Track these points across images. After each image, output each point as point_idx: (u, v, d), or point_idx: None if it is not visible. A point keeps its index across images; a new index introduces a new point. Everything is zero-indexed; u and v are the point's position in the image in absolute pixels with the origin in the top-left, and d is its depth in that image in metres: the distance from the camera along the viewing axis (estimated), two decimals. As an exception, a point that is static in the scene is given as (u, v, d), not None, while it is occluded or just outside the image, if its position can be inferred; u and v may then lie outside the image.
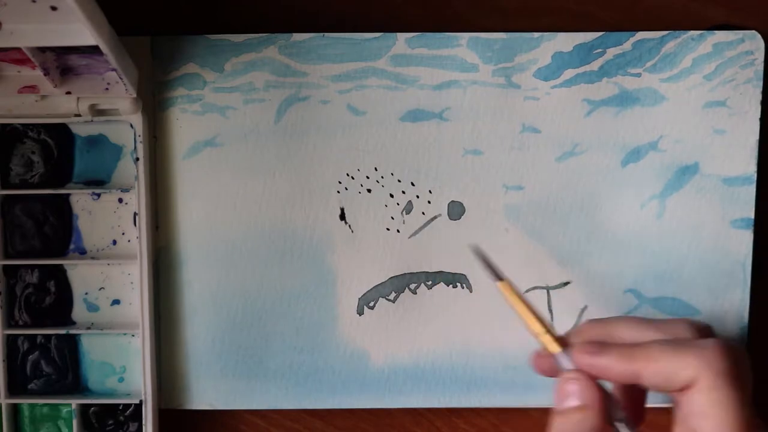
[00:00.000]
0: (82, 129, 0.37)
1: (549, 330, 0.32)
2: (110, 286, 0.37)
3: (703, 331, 0.30)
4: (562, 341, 0.31)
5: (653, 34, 0.36)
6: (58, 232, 0.37)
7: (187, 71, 0.37)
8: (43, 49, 0.33)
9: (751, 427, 0.28)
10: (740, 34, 0.36)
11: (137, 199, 0.36)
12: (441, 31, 0.36)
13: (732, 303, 0.37)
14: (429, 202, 0.37)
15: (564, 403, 0.30)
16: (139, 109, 0.36)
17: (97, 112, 0.36)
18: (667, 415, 0.39)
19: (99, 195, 0.37)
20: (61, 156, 0.37)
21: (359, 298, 0.37)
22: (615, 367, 0.30)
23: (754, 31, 0.36)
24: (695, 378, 0.28)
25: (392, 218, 0.37)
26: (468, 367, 0.38)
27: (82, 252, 0.37)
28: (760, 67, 0.36)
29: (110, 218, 0.37)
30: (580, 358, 0.30)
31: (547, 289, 0.37)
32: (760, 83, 0.36)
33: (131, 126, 0.36)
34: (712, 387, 0.28)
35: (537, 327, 0.32)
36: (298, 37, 0.36)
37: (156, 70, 0.36)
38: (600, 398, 0.30)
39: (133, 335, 0.37)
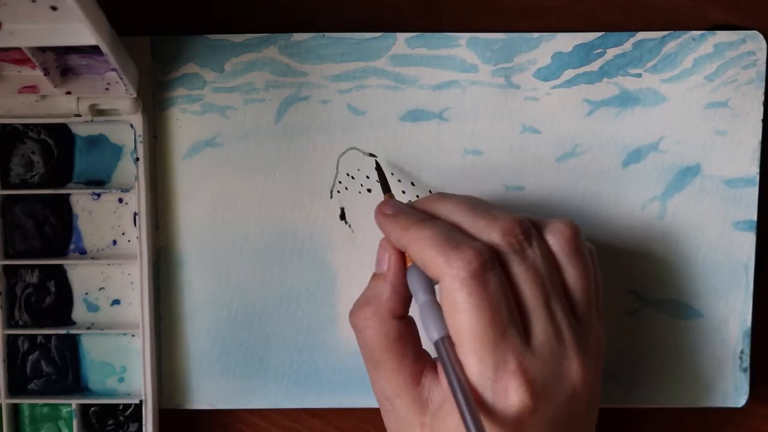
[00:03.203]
0: (82, 129, 0.37)
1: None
2: (110, 286, 0.37)
3: (524, 233, 0.30)
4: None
5: (654, 35, 0.36)
6: (58, 232, 0.37)
7: (187, 71, 0.37)
8: (43, 49, 0.33)
9: (491, 336, 0.28)
10: (742, 34, 0.36)
11: (137, 199, 0.36)
12: (441, 31, 0.36)
13: (735, 305, 0.37)
14: (429, 202, 0.37)
15: (375, 269, 0.33)
16: (139, 109, 0.36)
17: (97, 112, 0.36)
18: (666, 413, 0.39)
19: (99, 195, 0.37)
20: (61, 156, 0.37)
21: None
22: (392, 234, 0.32)
23: (755, 32, 0.36)
24: (438, 277, 0.29)
25: (392, 218, 0.37)
26: (468, 368, 0.37)
27: (82, 252, 0.37)
28: (762, 68, 0.36)
29: (110, 218, 0.37)
30: (376, 215, 0.33)
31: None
32: (762, 84, 0.36)
33: (131, 126, 0.36)
34: (448, 290, 0.29)
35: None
36: (298, 37, 0.36)
37: (156, 70, 0.36)
38: (395, 272, 0.32)
39: (133, 335, 0.37)
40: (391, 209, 0.32)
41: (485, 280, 0.29)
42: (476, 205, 0.32)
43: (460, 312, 0.29)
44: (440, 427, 0.30)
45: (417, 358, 0.32)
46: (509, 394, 0.28)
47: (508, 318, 0.29)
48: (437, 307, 0.30)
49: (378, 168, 0.36)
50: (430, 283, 0.31)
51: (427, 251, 0.30)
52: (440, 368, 0.30)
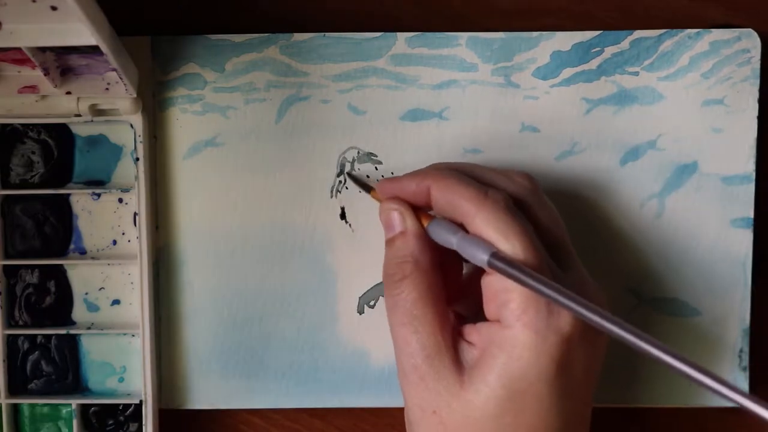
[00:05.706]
0: (82, 129, 0.37)
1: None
2: (110, 286, 0.37)
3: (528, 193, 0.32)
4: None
5: (651, 33, 0.36)
6: (58, 232, 0.37)
7: (188, 71, 0.37)
8: (43, 49, 0.33)
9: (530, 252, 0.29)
10: (736, 32, 0.36)
11: (137, 199, 0.36)
12: (441, 31, 0.37)
13: (733, 303, 0.37)
14: (429, 201, 0.37)
15: (388, 234, 0.33)
16: (139, 109, 0.36)
17: (97, 112, 0.36)
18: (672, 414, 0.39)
19: (99, 195, 0.37)
20: (61, 156, 0.37)
21: (360, 297, 0.37)
22: (407, 185, 0.32)
23: (750, 29, 0.36)
24: (474, 214, 0.30)
25: (392, 218, 0.37)
26: (468, 368, 0.37)
27: (82, 252, 0.37)
28: (757, 65, 0.36)
29: (110, 218, 0.37)
30: (382, 185, 0.33)
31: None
32: (757, 81, 0.36)
33: (131, 126, 0.36)
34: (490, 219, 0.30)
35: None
36: (298, 36, 0.36)
37: (156, 70, 0.37)
38: (413, 223, 0.32)
39: (133, 335, 0.37)
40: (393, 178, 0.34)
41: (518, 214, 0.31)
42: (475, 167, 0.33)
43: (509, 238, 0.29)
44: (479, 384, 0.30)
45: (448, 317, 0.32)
46: (561, 314, 0.29)
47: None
48: (473, 235, 0.30)
49: (352, 177, 0.37)
50: (457, 226, 0.31)
51: (454, 187, 0.31)
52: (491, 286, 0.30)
